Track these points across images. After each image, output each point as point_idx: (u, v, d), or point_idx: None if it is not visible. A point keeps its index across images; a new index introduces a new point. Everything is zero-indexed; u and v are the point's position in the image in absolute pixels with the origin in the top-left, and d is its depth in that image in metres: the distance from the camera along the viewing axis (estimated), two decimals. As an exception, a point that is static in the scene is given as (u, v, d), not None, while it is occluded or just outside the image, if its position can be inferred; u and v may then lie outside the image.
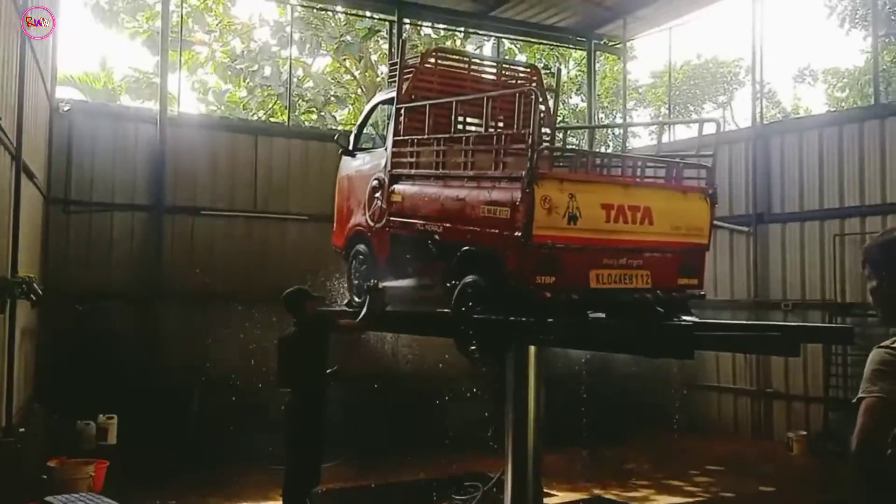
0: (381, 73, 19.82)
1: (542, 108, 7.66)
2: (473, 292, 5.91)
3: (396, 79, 7.24)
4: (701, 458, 11.01)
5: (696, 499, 9.03)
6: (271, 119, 17.13)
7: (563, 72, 21.90)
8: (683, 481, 9.72)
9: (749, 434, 12.43)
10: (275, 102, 16.96)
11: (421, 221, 6.62)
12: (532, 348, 7.07)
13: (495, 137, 6.09)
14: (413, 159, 6.88)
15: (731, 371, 12.81)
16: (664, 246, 5.94)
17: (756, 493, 9.23)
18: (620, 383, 12.63)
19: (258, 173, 11.95)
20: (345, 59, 19.05)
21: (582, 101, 21.18)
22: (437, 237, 6.43)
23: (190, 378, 11.04)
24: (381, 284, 6.77)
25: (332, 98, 17.56)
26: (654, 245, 5.89)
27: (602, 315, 6.06)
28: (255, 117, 17.11)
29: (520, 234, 5.37)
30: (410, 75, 7.23)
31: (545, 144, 6.46)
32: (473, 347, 6.00)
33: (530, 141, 5.46)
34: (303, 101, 17.49)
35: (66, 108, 10.71)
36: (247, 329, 11.23)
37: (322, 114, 17.01)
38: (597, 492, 8.97)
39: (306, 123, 17.02)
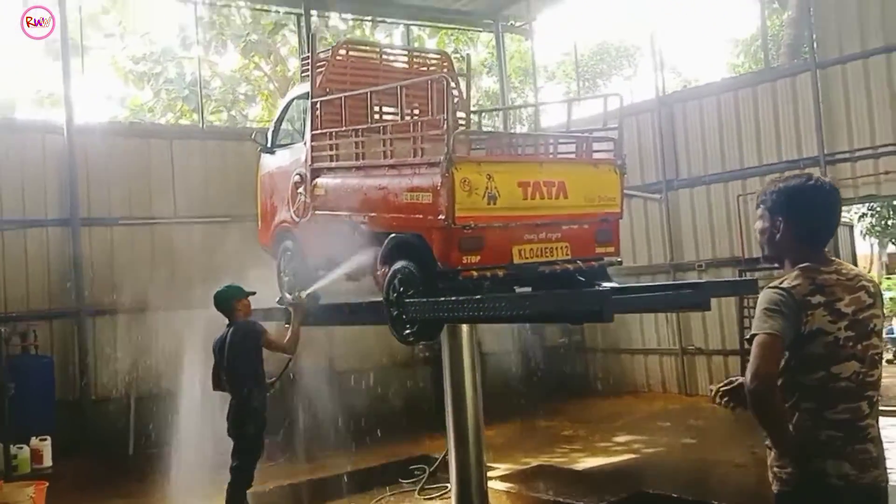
0: (292, 68, 19.64)
1: (455, 92, 7.93)
2: (403, 278, 6.06)
3: (309, 73, 7.28)
4: (631, 418, 11.53)
5: (625, 457, 9.48)
6: (180, 121, 16.79)
7: (473, 55, 22.18)
8: (615, 442, 10.19)
9: (675, 391, 13.06)
10: (181, 106, 16.58)
11: (346, 213, 6.72)
12: (465, 327, 7.34)
13: (412, 125, 6.26)
14: (333, 152, 6.96)
15: (654, 333, 13.40)
16: (580, 217, 6.18)
17: (680, 445, 9.76)
18: (551, 355, 13.09)
19: (175, 178, 11.75)
20: (254, 56, 18.79)
21: (494, 82, 21.49)
22: (362, 227, 6.56)
23: (121, 392, 10.86)
24: (305, 294, 6.73)
25: (241, 96, 17.29)
26: (571, 217, 6.12)
27: (528, 289, 6.36)
28: (164, 120, 16.72)
29: (443, 216, 5.50)
30: (323, 68, 7.30)
31: (461, 129, 6.64)
32: (408, 331, 6.19)
33: (445, 126, 5.65)
34: (211, 100, 17.15)
35: (-35, 125, 10.32)
36: (177, 338, 11.10)
37: (232, 112, 16.75)
38: (535, 462, 9.29)
39: (217, 123, 16.73)
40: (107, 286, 10.99)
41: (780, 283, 2.66)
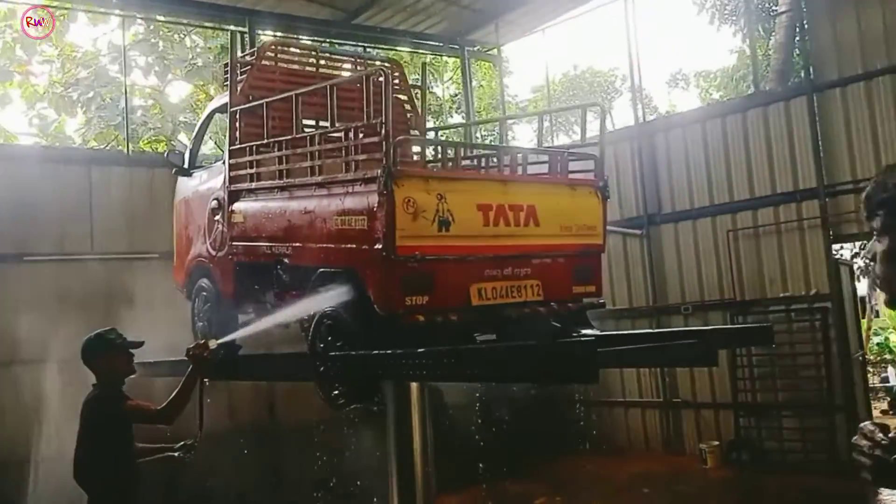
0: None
1: (408, 107, 6.76)
2: (332, 324, 4.82)
3: (230, 80, 6.10)
4: (613, 481, 10.20)
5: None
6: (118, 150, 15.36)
7: (440, 91, 21.15)
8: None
9: (661, 449, 11.73)
10: (116, 135, 15.15)
11: (266, 243, 5.51)
12: (413, 383, 6.07)
13: (344, 132, 5.05)
14: (253, 170, 5.76)
15: (636, 383, 12.13)
16: (554, 250, 5.09)
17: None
18: (520, 407, 11.71)
19: (94, 208, 10.29)
20: (204, 85, 17.53)
21: (462, 117, 20.50)
22: (285, 260, 5.33)
23: (15, 457, 9.23)
24: (216, 343, 5.25)
25: (181, 125, 15.95)
26: (543, 249, 5.03)
27: (493, 337, 5.12)
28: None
29: (380, 246, 4.38)
30: (246, 73, 6.14)
31: (403, 136, 5.45)
32: (336, 392, 4.88)
33: (384, 131, 4.44)
34: (148, 129, 15.74)
35: None
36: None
37: (172, 142, 15.41)
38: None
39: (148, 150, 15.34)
40: (2, 333, 9.41)
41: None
